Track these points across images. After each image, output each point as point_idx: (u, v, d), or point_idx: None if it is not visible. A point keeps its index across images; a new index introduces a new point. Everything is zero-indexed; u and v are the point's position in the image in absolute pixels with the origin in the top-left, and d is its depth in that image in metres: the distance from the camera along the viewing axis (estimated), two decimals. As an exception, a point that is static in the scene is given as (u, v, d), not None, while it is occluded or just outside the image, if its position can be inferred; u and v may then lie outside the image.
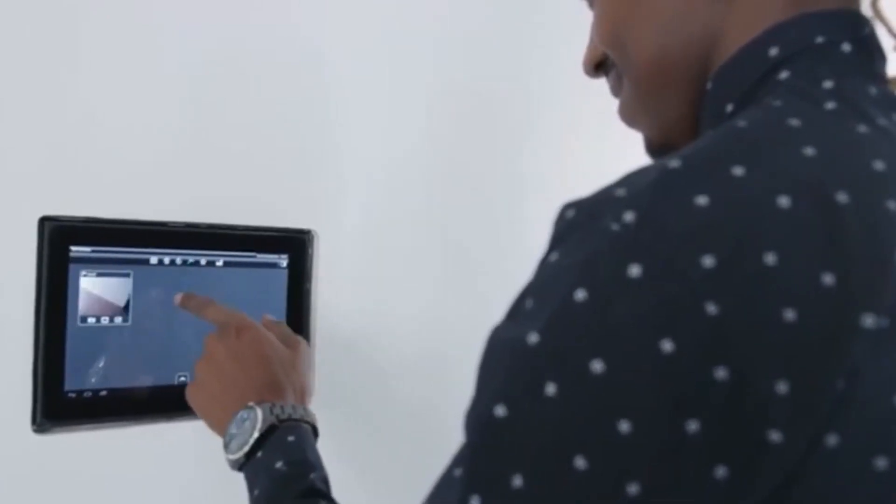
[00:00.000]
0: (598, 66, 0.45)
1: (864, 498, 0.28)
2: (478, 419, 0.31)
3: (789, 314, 0.27)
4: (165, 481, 0.73)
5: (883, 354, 0.28)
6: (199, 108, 0.75)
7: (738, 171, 0.29)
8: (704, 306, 0.27)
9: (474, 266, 0.92)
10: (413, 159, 0.87)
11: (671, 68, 0.39)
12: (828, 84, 0.34)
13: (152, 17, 0.72)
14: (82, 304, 0.68)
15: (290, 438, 0.56)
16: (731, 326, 0.27)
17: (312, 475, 0.53)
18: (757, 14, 0.37)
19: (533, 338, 0.30)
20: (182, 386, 0.67)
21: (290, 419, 0.57)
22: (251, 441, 0.55)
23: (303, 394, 0.64)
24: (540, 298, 0.31)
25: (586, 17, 0.47)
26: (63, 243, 0.67)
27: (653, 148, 0.44)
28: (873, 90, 0.34)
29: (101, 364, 0.69)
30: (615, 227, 0.29)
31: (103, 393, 0.69)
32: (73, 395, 0.68)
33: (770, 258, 0.28)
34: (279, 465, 0.53)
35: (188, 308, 0.68)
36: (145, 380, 0.70)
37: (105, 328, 0.69)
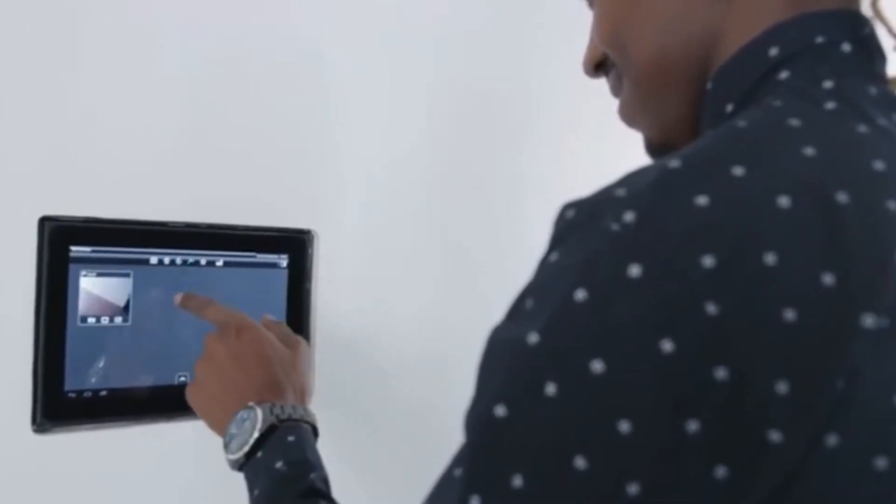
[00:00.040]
0: (598, 66, 0.45)
1: (864, 498, 0.28)
2: (478, 419, 0.31)
3: (789, 314, 0.27)
4: (165, 481, 0.73)
5: (883, 354, 0.28)
6: (199, 108, 0.75)
7: (738, 171, 0.29)
8: (704, 306, 0.27)
9: (474, 266, 0.92)
10: (413, 159, 0.87)
11: (671, 68, 0.39)
12: (828, 84, 0.34)
13: (152, 17, 0.72)
14: (82, 304, 0.68)
15: (290, 438, 0.56)
16: (731, 326, 0.27)
17: (312, 475, 0.53)
18: (757, 14, 0.37)
19: (533, 338, 0.30)
20: (182, 386, 0.67)
21: (290, 419, 0.57)
22: (251, 441, 0.55)
23: (303, 394, 0.64)
24: (540, 298, 0.31)
25: (586, 17, 0.47)
26: (63, 243, 0.67)
27: (653, 148, 0.44)
28: (873, 90, 0.34)
29: (101, 364, 0.69)
30: (615, 227, 0.29)
31: (103, 393, 0.69)
32: (73, 395, 0.68)
33: (770, 258, 0.28)
34: (279, 465, 0.53)
35: (188, 308, 0.68)
36: (145, 380, 0.70)
37: (105, 328, 0.69)
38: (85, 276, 0.68)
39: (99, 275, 0.68)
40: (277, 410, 0.57)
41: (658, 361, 0.27)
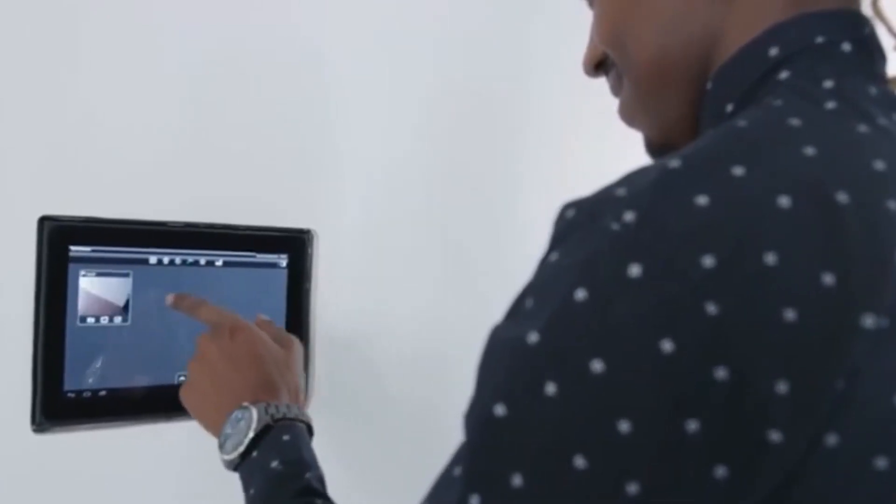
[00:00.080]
0: (597, 65, 0.45)
1: (864, 498, 0.28)
2: (477, 418, 0.31)
3: (789, 314, 0.27)
4: (165, 481, 0.73)
5: (883, 354, 0.28)
6: (199, 108, 0.75)
7: (738, 170, 0.29)
8: (704, 306, 0.27)
9: (474, 266, 0.92)
10: (413, 159, 0.87)
11: (671, 68, 0.39)
12: (828, 84, 0.34)
13: (152, 17, 0.72)
14: (82, 304, 0.68)
15: (286, 438, 0.56)
16: (731, 326, 0.27)
17: (308, 474, 0.53)
18: (757, 14, 0.37)
19: (533, 337, 0.30)
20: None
21: (284, 418, 0.57)
22: (246, 441, 0.55)
23: (297, 393, 0.64)
24: (540, 298, 0.31)
25: (586, 16, 0.47)
26: (62, 243, 0.67)
27: (653, 148, 0.44)
28: (873, 90, 0.34)
29: (101, 364, 0.69)
30: (615, 226, 0.29)
31: (102, 393, 0.69)
32: (72, 394, 0.67)
33: (770, 258, 0.28)
34: (274, 464, 0.53)
35: (180, 309, 0.68)
36: (145, 379, 0.70)
37: (104, 328, 0.69)
38: (84, 275, 0.68)
39: (98, 274, 0.68)
40: (272, 410, 0.57)
41: (658, 361, 0.27)
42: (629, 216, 0.29)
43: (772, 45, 0.36)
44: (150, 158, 0.72)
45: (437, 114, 0.89)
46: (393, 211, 0.86)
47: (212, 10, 0.75)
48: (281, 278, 0.77)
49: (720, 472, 0.27)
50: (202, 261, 0.73)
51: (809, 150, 0.30)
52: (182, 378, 0.70)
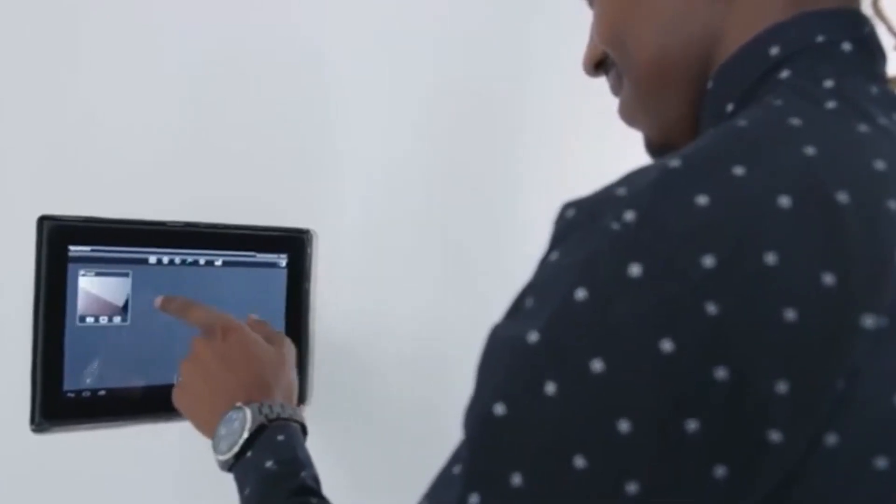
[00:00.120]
0: (597, 65, 0.45)
1: (863, 497, 0.28)
2: (477, 417, 0.31)
3: (789, 314, 0.27)
4: (164, 481, 0.73)
5: (883, 354, 0.28)
6: (199, 108, 0.75)
7: (738, 170, 0.29)
8: (704, 306, 0.27)
9: (474, 266, 0.92)
10: (412, 159, 0.87)
11: (671, 68, 0.39)
12: (828, 83, 0.34)
13: (152, 17, 0.72)
14: (81, 304, 0.67)
15: (280, 438, 0.56)
16: (731, 326, 0.27)
17: (303, 473, 0.53)
18: (757, 13, 0.37)
19: (533, 336, 0.30)
20: (181, 386, 0.66)
21: (278, 418, 0.57)
22: (241, 441, 0.55)
23: (290, 393, 0.64)
24: (540, 297, 0.31)
25: (585, 16, 0.47)
26: (62, 243, 0.67)
27: (653, 147, 0.44)
28: (874, 89, 0.34)
29: (100, 364, 0.69)
30: (615, 226, 0.29)
31: (102, 392, 0.69)
32: (71, 394, 0.67)
33: (770, 258, 0.27)
34: (269, 464, 0.53)
35: (169, 311, 0.67)
36: (144, 379, 0.70)
37: (104, 328, 0.69)
38: (84, 275, 0.68)
39: (98, 274, 0.68)
40: (266, 410, 0.57)
41: (658, 361, 0.27)
42: (629, 216, 0.29)
43: (772, 44, 0.36)
44: (150, 158, 0.72)
45: (436, 114, 0.89)
46: (393, 211, 0.86)
47: (212, 10, 0.75)
48: (280, 278, 0.77)
49: (720, 471, 0.27)
50: (202, 260, 0.73)
51: (810, 150, 0.30)
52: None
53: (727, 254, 0.28)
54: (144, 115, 0.72)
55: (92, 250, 0.68)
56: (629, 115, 0.44)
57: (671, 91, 0.40)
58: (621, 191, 0.31)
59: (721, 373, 0.27)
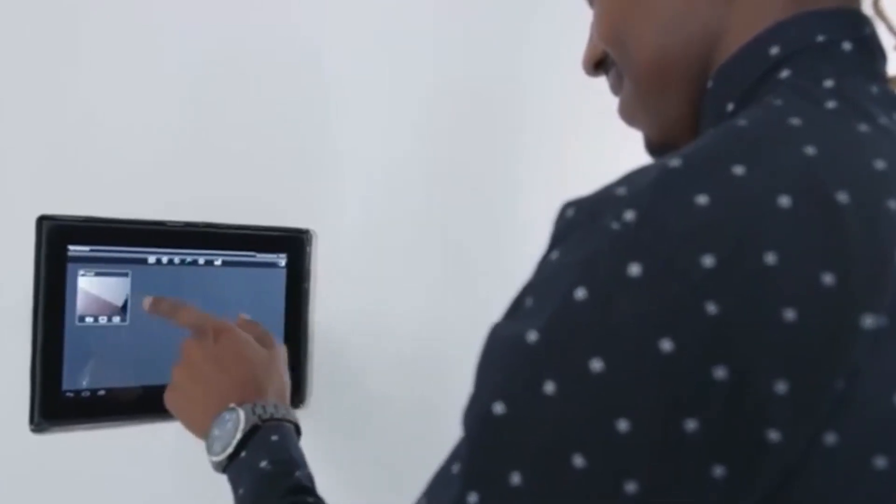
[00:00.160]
0: (597, 64, 0.45)
1: (863, 497, 0.28)
2: (476, 416, 0.31)
3: (789, 314, 0.27)
4: (164, 480, 0.73)
5: (883, 354, 0.28)
6: (199, 108, 0.75)
7: (738, 170, 0.29)
8: (704, 306, 0.27)
9: (473, 265, 0.92)
10: (412, 159, 0.87)
11: (672, 67, 0.39)
12: (828, 83, 0.34)
13: (152, 17, 0.72)
14: (80, 304, 0.67)
15: (274, 438, 0.56)
16: (730, 326, 0.27)
17: (298, 473, 0.53)
18: (757, 13, 0.37)
19: (532, 336, 0.30)
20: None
21: (272, 418, 0.57)
22: (235, 442, 0.55)
23: (283, 393, 0.63)
24: (540, 297, 0.31)
25: (585, 15, 0.47)
26: (61, 242, 0.67)
27: (653, 147, 0.44)
28: (874, 89, 0.34)
29: (99, 364, 0.69)
30: (615, 226, 0.29)
31: (101, 392, 0.69)
32: (70, 394, 0.67)
33: (770, 258, 0.27)
34: (264, 464, 0.53)
35: (158, 313, 0.67)
36: (143, 379, 0.70)
37: (103, 328, 0.69)
38: (83, 275, 0.68)
39: (97, 274, 0.68)
40: (259, 410, 0.57)
41: (657, 361, 0.27)
42: (629, 215, 0.29)
43: (772, 43, 0.36)
44: (150, 158, 0.72)
45: (436, 114, 0.89)
46: (392, 211, 0.86)
47: (212, 10, 0.75)
48: (280, 278, 0.77)
49: (719, 471, 0.27)
50: (201, 260, 0.73)
51: (810, 150, 0.30)
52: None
53: (727, 253, 0.28)
54: (144, 115, 0.72)
55: (91, 250, 0.68)
56: (629, 114, 0.44)
57: (671, 90, 0.40)
58: (621, 190, 0.31)
59: (720, 372, 0.27)
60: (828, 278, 0.28)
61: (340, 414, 0.83)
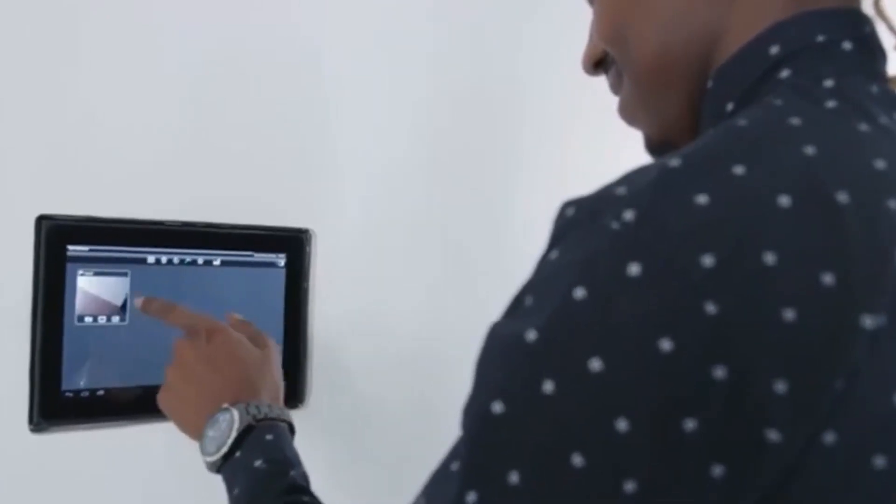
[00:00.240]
0: (597, 63, 0.45)
1: (862, 496, 0.28)
2: (475, 415, 0.31)
3: (789, 314, 0.27)
4: (163, 480, 0.73)
5: (882, 354, 0.28)
6: (198, 108, 0.75)
7: (738, 169, 0.29)
8: (704, 305, 0.27)
9: (473, 265, 0.92)
10: (411, 159, 0.87)
11: (672, 66, 0.39)
12: (829, 83, 0.34)
13: (152, 17, 0.72)
14: (79, 304, 0.67)
15: (268, 437, 0.56)
16: (730, 326, 0.27)
17: (293, 472, 0.53)
18: (758, 13, 0.37)
19: (531, 335, 0.30)
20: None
21: (266, 418, 0.57)
22: (229, 442, 0.55)
23: (277, 393, 0.63)
24: (539, 296, 0.31)
25: (584, 14, 0.47)
26: (60, 242, 0.66)
27: (653, 146, 0.44)
28: (874, 89, 0.34)
29: (99, 363, 0.69)
30: (615, 225, 0.29)
31: (100, 392, 0.69)
32: (69, 394, 0.67)
33: (770, 258, 0.27)
34: (258, 463, 0.53)
35: (149, 312, 0.67)
36: (142, 379, 0.70)
37: (102, 327, 0.69)
38: (82, 275, 0.67)
39: (96, 274, 0.68)
40: (253, 410, 0.57)
41: (657, 360, 0.27)
42: (629, 215, 0.29)
43: (772, 43, 0.36)
44: (150, 158, 0.72)
45: (436, 113, 0.89)
46: (392, 211, 0.86)
47: (212, 10, 0.75)
48: (279, 278, 0.77)
49: (718, 471, 0.27)
50: (200, 260, 0.73)
51: (810, 150, 0.30)
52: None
53: (727, 253, 0.28)
54: (144, 115, 0.72)
55: (90, 250, 0.68)
56: (629, 113, 0.44)
57: (671, 90, 0.40)
58: (621, 190, 0.31)
59: (720, 372, 0.27)
60: (827, 278, 0.27)
61: (340, 414, 0.83)
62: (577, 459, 0.28)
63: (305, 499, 0.51)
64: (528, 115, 0.95)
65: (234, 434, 0.55)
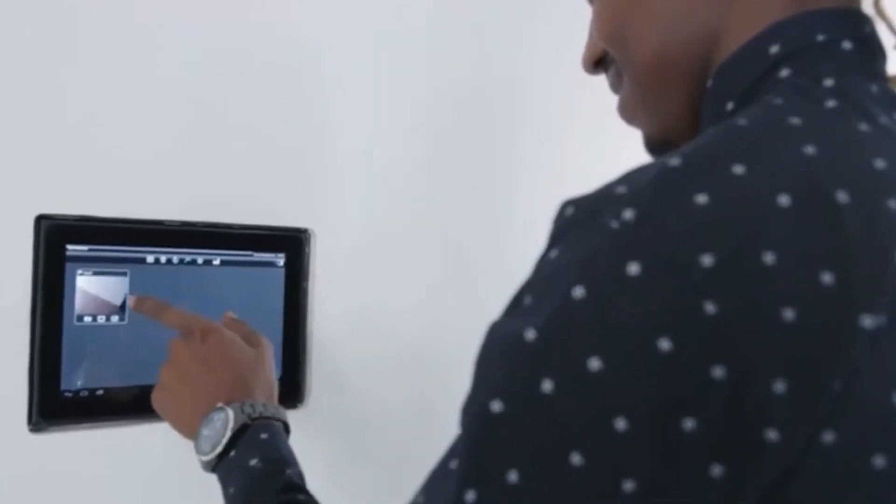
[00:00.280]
0: (597, 62, 0.45)
1: (862, 496, 0.28)
2: (474, 414, 0.31)
3: (788, 314, 0.27)
4: (162, 479, 0.73)
5: (882, 354, 0.28)
6: (198, 108, 0.75)
7: (738, 169, 0.29)
8: (703, 305, 0.27)
9: (473, 265, 0.92)
10: (411, 159, 0.87)
11: (672, 65, 0.39)
12: (828, 82, 0.34)
13: (152, 17, 0.72)
14: (78, 303, 0.67)
15: (264, 436, 0.56)
16: (730, 325, 0.27)
17: (289, 471, 0.53)
18: (758, 12, 0.37)
19: (531, 334, 0.30)
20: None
21: (261, 417, 0.58)
22: (224, 441, 0.55)
23: (271, 391, 0.63)
24: (539, 295, 0.31)
25: (584, 14, 0.47)
26: (59, 242, 0.66)
27: (652, 145, 0.44)
28: (874, 88, 0.34)
29: (98, 363, 0.69)
30: (615, 224, 0.29)
31: (100, 392, 0.69)
32: (69, 394, 0.67)
33: (769, 257, 0.27)
34: (254, 462, 0.53)
35: (142, 312, 0.67)
36: (142, 379, 0.70)
37: (101, 327, 0.68)
38: (81, 274, 0.67)
39: (95, 273, 0.68)
40: (248, 409, 0.57)
41: (656, 360, 0.27)
42: (629, 214, 0.29)
43: (772, 42, 0.36)
44: (150, 158, 0.72)
45: (435, 113, 0.89)
46: (392, 210, 0.86)
47: (212, 10, 0.75)
48: (278, 277, 0.77)
49: (717, 470, 0.27)
50: (199, 260, 0.73)
51: (810, 149, 0.30)
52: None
53: (726, 253, 0.27)
54: (144, 115, 0.72)
55: (89, 249, 0.68)
56: (629, 112, 0.44)
57: (671, 89, 0.40)
58: (621, 189, 0.31)
59: (719, 372, 0.27)
60: (827, 278, 0.27)
61: (339, 414, 0.83)
62: (577, 459, 0.28)
63: (301, 497, 0.51)
64: (527, 115, 0.95)
65: (228, 433, 0.55)
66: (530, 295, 0.31)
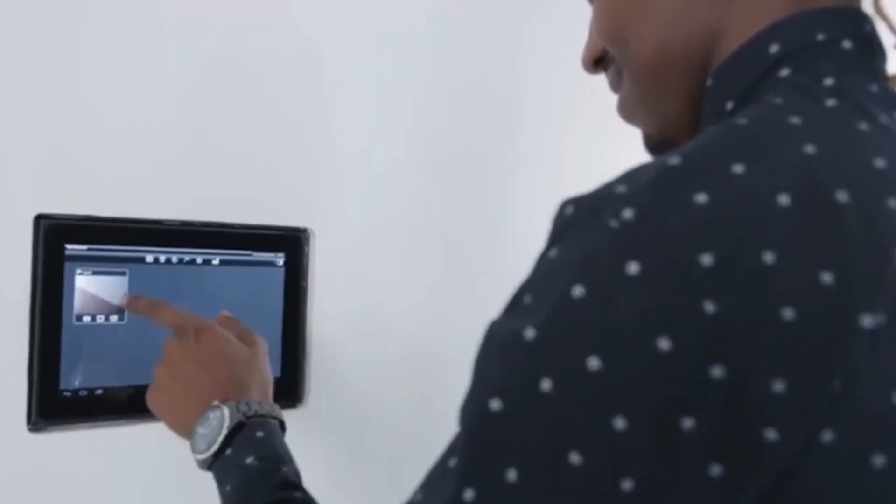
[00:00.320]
0: (597, 61, 0.45)
1: (861, 495, 0.28)
2: (473, 412, 0.31)
3: (788, 313, 0.27)
4: (162, 479, 0.73)
5: (882, 353, 0.28)
6: (198, 108, 0.75)
7: (738, 168, 0.29)
8: (703, 304, 0.27)
9: (473, 265, 0.91)
10: (411, 159, 0.87)
11: (672, 64, 0.39)
12: (828, 81, 0.34)
13: (152, 17, 0.72)
14: (78, 303, 0.67)
15: (259, 434, 0.56)
16: (729, 325, 0.27)
17: (285, 468, 0.53)
18: (758, 11, 0.37)
19: (530, 333, 0.30)
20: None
21: (256, 415, 0.58)
22: (220, 439, 0.55)
23: (266, 389, 0.63)
24: (538, 294, 0.31)
25: (584, 13, 0.47)
26: (58, 241, 0.66)
27: (652, 144, 0.44)
28: (874, 87, 0.34)
29: (97, 363, 0.69)
30: (614, 223, 0.29)
31: (99, 392, 0.69)
32: (68, 393, 0.67)
33: (769, 257, 0.27)
34: (250, 460, 0.53)
35: (136, 310, 0.67)
36: (141, 378, 0.70)
37: (101, 327, 0.68)
38: (80, 274, 0.67)
39: (94, 273, 0.68)
40: (244, 407, 0.57)
41: (655, 359, 0.27)
42: (628, 213, 0.29)
43: (772, 42, 0.36)
44: (150, 158, 0.72)
45: (435, 113, 0.89)
46: (392, 210, 0.86)
47: (212, 10, 0.75)
48: (278, 277, 0.77)
49: (716, 470, 0.27)
50: (199, 259, 0.73)
51: (810, 149, 0.30)
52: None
53: (726, 252, 0.27)
54: (144, 115, 0.72)
55: (89, 249, 0.68)
56: (628, 112, 0.44)
57: (671, 88, 0.40)
58: (621, 188, 0.30)
59: (718, 371, 0.27)
60: (827, 277, 0.27)
61: (338, 413, 0.83)
62: (575, 458, 0.28)
63: (297, 494, 0.52)
64: (527, 115, 0.95)
65: (224, 431, 0.55)
66: (530, 294, 0.31)
